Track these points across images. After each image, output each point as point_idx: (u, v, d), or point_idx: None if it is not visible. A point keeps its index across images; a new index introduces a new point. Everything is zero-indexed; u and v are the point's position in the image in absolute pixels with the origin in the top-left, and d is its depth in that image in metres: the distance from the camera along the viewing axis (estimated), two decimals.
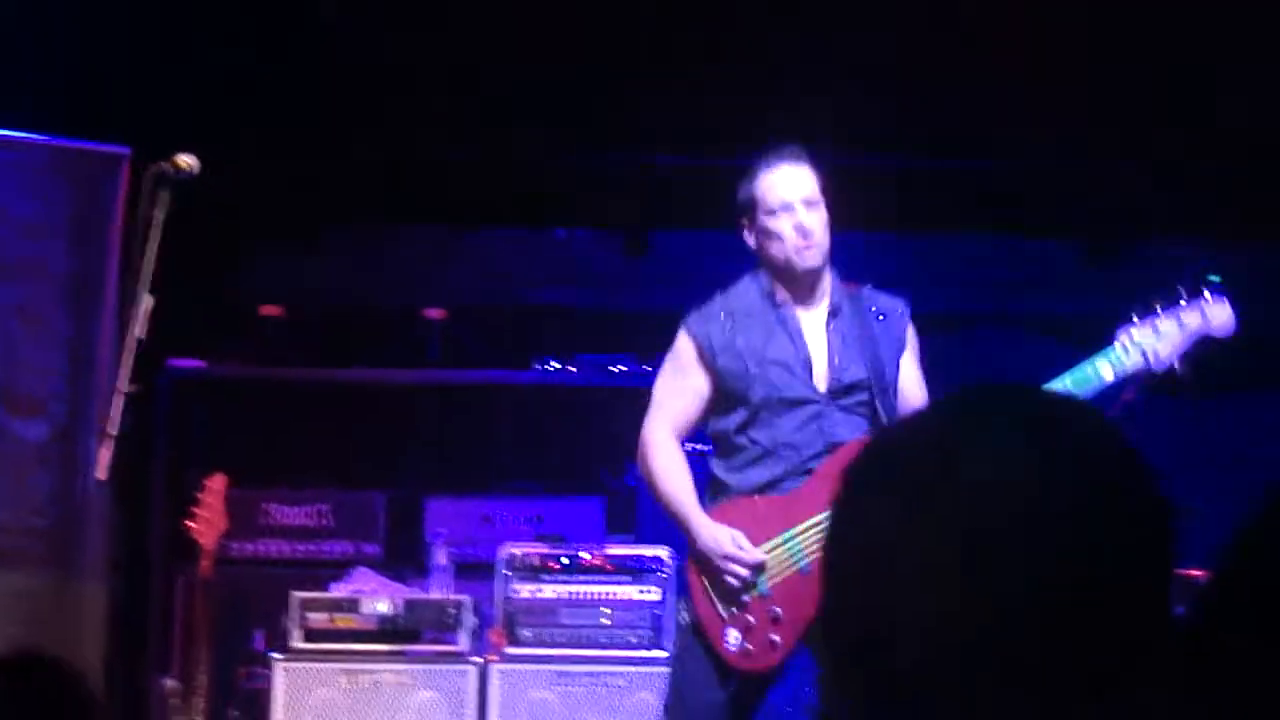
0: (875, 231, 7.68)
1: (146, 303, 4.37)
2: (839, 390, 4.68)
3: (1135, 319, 4.56)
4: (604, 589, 6.36)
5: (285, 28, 6.77)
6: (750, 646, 4.61)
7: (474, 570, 6.77)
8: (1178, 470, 5.79)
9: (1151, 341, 4.55)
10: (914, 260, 7.95)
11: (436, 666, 6.23)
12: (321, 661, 6.25)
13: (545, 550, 6.45)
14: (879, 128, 7.04)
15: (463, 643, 6.28)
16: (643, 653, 6.23)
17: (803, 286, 4.74)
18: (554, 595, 6.35)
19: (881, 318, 4.77)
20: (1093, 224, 7.61)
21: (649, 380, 7.54)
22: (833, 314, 4.74)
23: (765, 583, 4.60)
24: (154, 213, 4.41)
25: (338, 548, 7.10)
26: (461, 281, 8.16)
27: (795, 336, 4.70)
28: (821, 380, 4.69)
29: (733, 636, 4.61)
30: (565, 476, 7.37)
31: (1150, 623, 1.34)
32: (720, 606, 4.63)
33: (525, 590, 6.36)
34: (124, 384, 4.30)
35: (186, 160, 4.54)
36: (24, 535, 6.58)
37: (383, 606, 6.33)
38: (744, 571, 4.57)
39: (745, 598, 4.60)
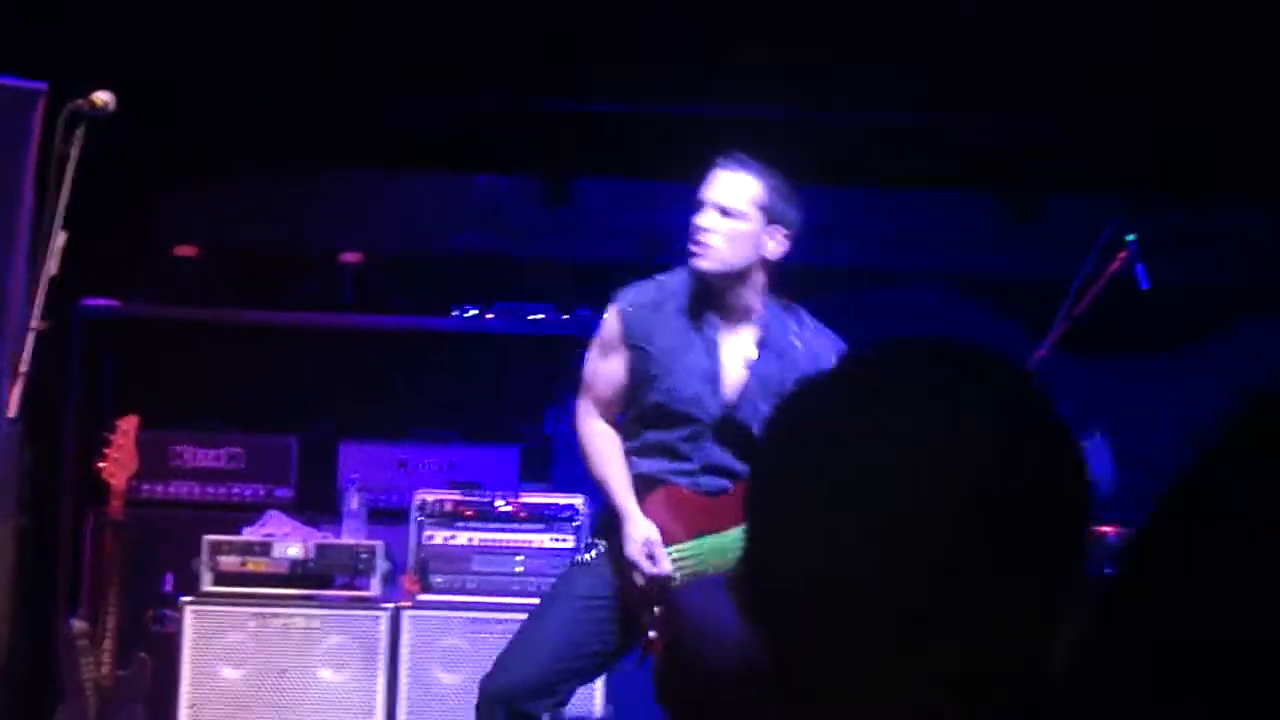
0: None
1: (60, 239, 4.32)
2: (732, 422, 4.70)
3: None
4: (518, 537, 6.37)
5: None
6: (654, 635, 4.71)
7: (387, 516, 6.76)
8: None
9: None
10: (834, 213, 7.99)
11: (348, 612, 6.22)
12: (232, 605, 6.22)
13: (459, 497, 6.44)
14: (801, 80, 7.03)
15: (375, 588, 6.27)
16: None
17: (719, 296, 4.73)
18: (467, 542, 6.35)
19: (808, 358, 4.71)
20: (1009, 179, 7.64)
21: (567, 329, 7.59)
22: (756, 345, 4.74)
23: (674, 583, 4.69)
24: (69, 149, 4.35)
25: (249, 491, 7.05)
26: (382, 226, 8.10)
27: (712, 354, 4.70)
28: (717, 408, 4.71)
29: (649, 621, 4.71)
30: (481, 424, 7.35)
31: (1068, 581, 1.35)
32: (637, 593, 4.71)
33: (439, 537, 6.35)
34: (36, 321, 4.26)
35: (102, 97, 4.49)
36: None
37: (294, 551, 6.31)
38: (641, 581, 4.64)
39: (653, 592, 4.68)
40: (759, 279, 4.74)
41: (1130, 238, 5.43)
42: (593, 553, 4.83)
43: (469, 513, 6.37)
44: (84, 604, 6.50)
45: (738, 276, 4.70)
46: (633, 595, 4.67)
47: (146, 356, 7.22)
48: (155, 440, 6.63)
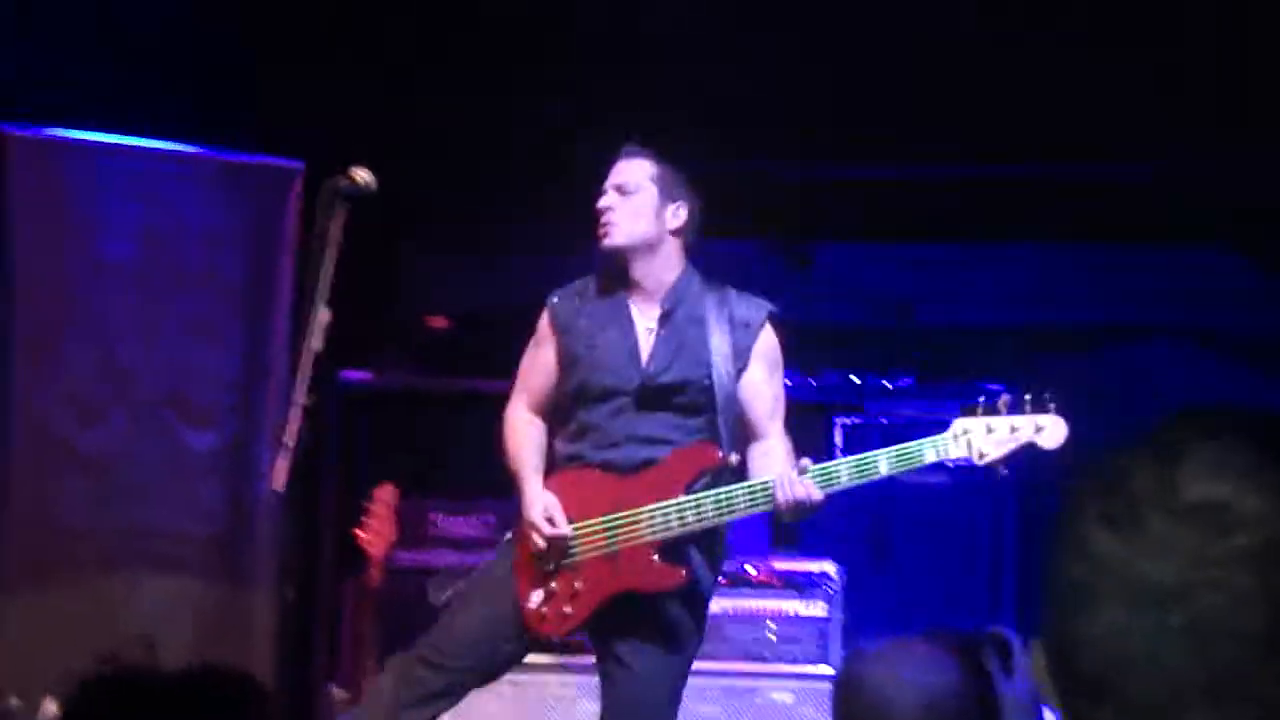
0: (1037, 243, 7.64)
1: (324, 315, 4.41)
2: (652, 389, 4.66)
3: (978, 409, 4.56)
4: (769, 604, 6.34)
5: (446, 38, 6.82)
6: (546, 611, 4.64)
7: None
8: None
9: (980, 439, 4.56)
10: (1080, 271, 7.88)
11: None
12: None
13: None
14: (1040, 138, 6.95)
15: None
16: (808, 668, 6.20)
17: (629, 272, 4.77)
18: (719, 609, 6.33)
19: (729, 323, 4.73)
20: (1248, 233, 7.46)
21: (814, 394, 7.56)
22: (666, 315, 4.74)
23: (575, 556, 4.60)
24: (330, 226, 4.44)
25: None
26: None
27: (626, 327, 4.73)
28: (637, 376, 4.68)
29: (535, 597, 4.65)
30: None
31: None
32: (533, 565, 4.66)
33: None
34: (301, 396, 4.34)
35: (363, 175, 4.57)
36: (195, 543, 6.69)
37: None
38: (540, 543, 4.61)
39: (552, 565, 4.62)
40: (667, 252, 4.80)
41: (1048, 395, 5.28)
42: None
43: (721, 580, 6.35)
44: (343, 671, 6.60)
45: (646, 249, 4.76)
46: (536, 553, 4.64)
47: (401, 426, 7.35)
48: (412, 508, 6.73)
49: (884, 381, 7.65)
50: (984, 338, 8.04)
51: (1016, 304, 8.17)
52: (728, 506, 4.51)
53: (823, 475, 4.50)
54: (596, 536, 4.64)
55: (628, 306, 4.78)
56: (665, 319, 4.75)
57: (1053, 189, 7.36)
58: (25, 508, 6.53)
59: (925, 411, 7.53)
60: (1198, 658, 1.31)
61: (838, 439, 7.45)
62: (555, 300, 4.93)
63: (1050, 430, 4.58)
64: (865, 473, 4.52)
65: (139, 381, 6.64)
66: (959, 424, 4.57)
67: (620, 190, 4.80)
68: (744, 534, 7.02)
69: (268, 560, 6.60)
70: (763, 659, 6.23)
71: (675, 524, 4.53)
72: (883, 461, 4.52)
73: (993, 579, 7.35)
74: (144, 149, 6.74)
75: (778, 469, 4.54)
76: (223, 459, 6.75)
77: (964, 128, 6.91)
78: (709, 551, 4.70)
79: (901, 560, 7.37)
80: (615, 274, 4.83)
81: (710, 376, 4.65)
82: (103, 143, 6.70)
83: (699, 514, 4.51)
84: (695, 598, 4.69)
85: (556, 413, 4.84)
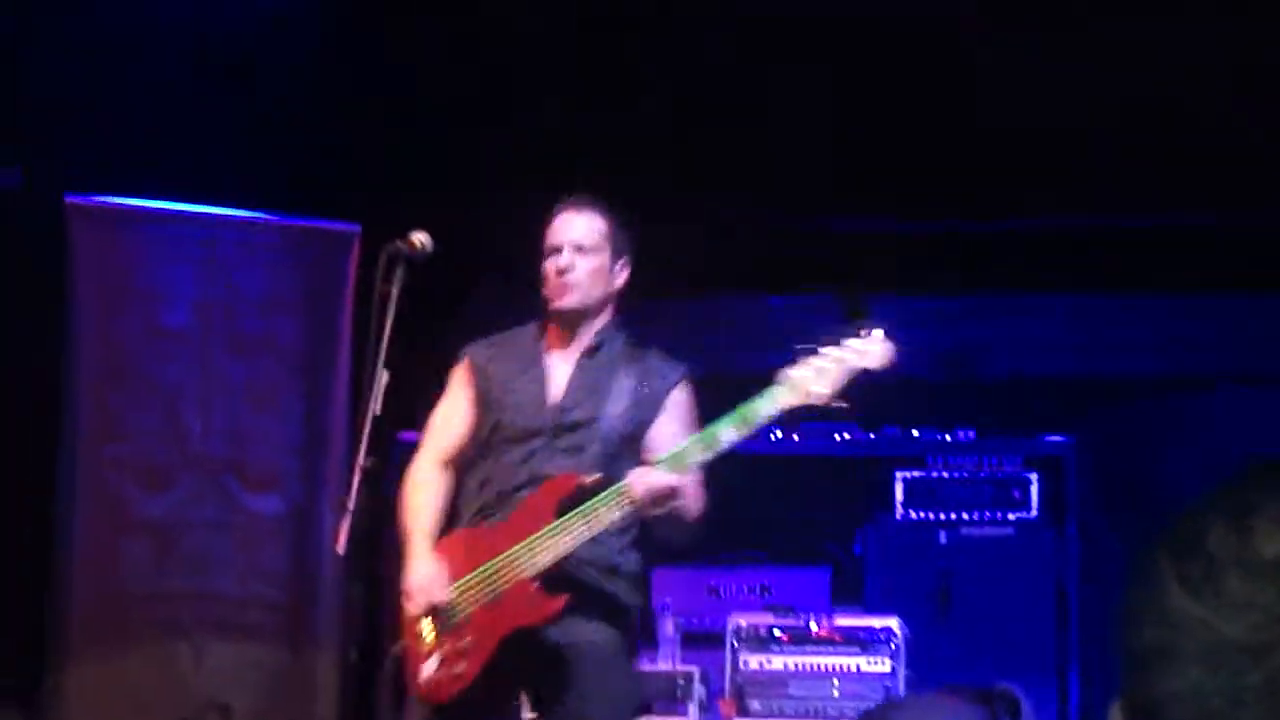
0: (1097, 293, 7.60)
1: (384, 378, 4.42)
2: (562, 427, 4.62)
3: (795, 358, 4.49)
4: (833, 660, 6.31)
5: (508, 99, 6.86)
6: (440, 678, 4.56)
7: (699, 640, 6.75)
8: None
9: (811, 380, 4.47)
10: (1141, 320, 7.84)
11: None
12: None
13: (774, 621, 6.42)
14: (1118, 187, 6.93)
15: (692, 714, 6.27)
16: None
17: (565, 330, 4.72)
18: (783, 666, 6.31)
19: (645, 377, 4.69)
20: None
21: (874, 448, 7.54)
22: (586, 354, 4.70)
23: (458, 615, 4.54)
24: (390, 290, 4.46)
25: None
26: (684, 350, 8.15)
27: (543, 376, 4.68)
28: (549, 416, 4.64)
29: (427, 668, 4.59)
30: (790, 545, 7.32)
31: None
32: (424, 638, 4.60)
33: (754, 661, 6.33)
34: (362, 459, 4.35)
35: (420, 239, 4.59)
36: (259, 608, 6.71)
37: None
38: (415, 610, 4.55)
39: (442, 632, 4.56)
40: (609, 310, 4.74)
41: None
42: None
43: (784, 637, 6.34)
44: None
45: (596, 309, 4.71)
46: (418, 634, 4.58)
47: None
48: None
49: (944, 435, 7.61)
50: (1044, 388, 8.00)
51: (1077, 354, 8.14)
52: (594, 517, 4.44)
53: (672, 459, 4.44)
54: (474, 590, 4.58)
55: (546, 357, 4.74)
56: (584, 359, 4.72)
57: (1111, 239, 7.33)
58: (89, 572, 6.57)
59: (986, 465, 7.50)
60: (1275, 715, 1.30)
61: (898, 493, 7.42)
62: (470, 350, 4.88)
63: (872, 351, 4.51)
64: (710, 444, 4.46)
65: (201, 447, 6.68)
66: (784, 374, 4.51)
67: (579, 250, 4.73)
68: (806, 590, 7.02)
69: (331, 623, 6.61)
70: (827, 716, 6.19)
71: (549, 552, 4.46)
72: (723, 429, 4.46)
73: (1059, 630, 7.29)
74: (203, 215, 6.81)
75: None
76: (285, 523, 6.77)
77: (1020, 179, 6.89)
78: (604, 564, 4.57)
79: (964, 613, 7.32)
80: (539, 331, 4.79)
81: (614, 419, 4.61)
82: (162, 209, 6.77)
83: (569, 532, 4.45)
84: (616, 611, 4.59)
85: (473, 460, 4.78)
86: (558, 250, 4.73)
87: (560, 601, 4.44)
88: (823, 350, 4.48)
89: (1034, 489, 7.51)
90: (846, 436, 7.32)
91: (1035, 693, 7.47)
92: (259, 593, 6.70)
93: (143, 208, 6.76)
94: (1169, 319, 7.89)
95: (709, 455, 4.44)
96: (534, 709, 4.64)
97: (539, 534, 4.45)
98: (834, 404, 4.55)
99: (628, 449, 4.61)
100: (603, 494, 4.43)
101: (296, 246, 6.90)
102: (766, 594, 7.08)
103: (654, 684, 6.33)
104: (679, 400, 4.74)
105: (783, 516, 7.45)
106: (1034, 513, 7.49)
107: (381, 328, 4.42)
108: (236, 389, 6.78)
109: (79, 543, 6.57)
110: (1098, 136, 6.67)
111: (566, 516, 4.43)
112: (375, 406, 4.36)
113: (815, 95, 6.69)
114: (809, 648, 6.32)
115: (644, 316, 5.01)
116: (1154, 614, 1.37)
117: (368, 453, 4.39)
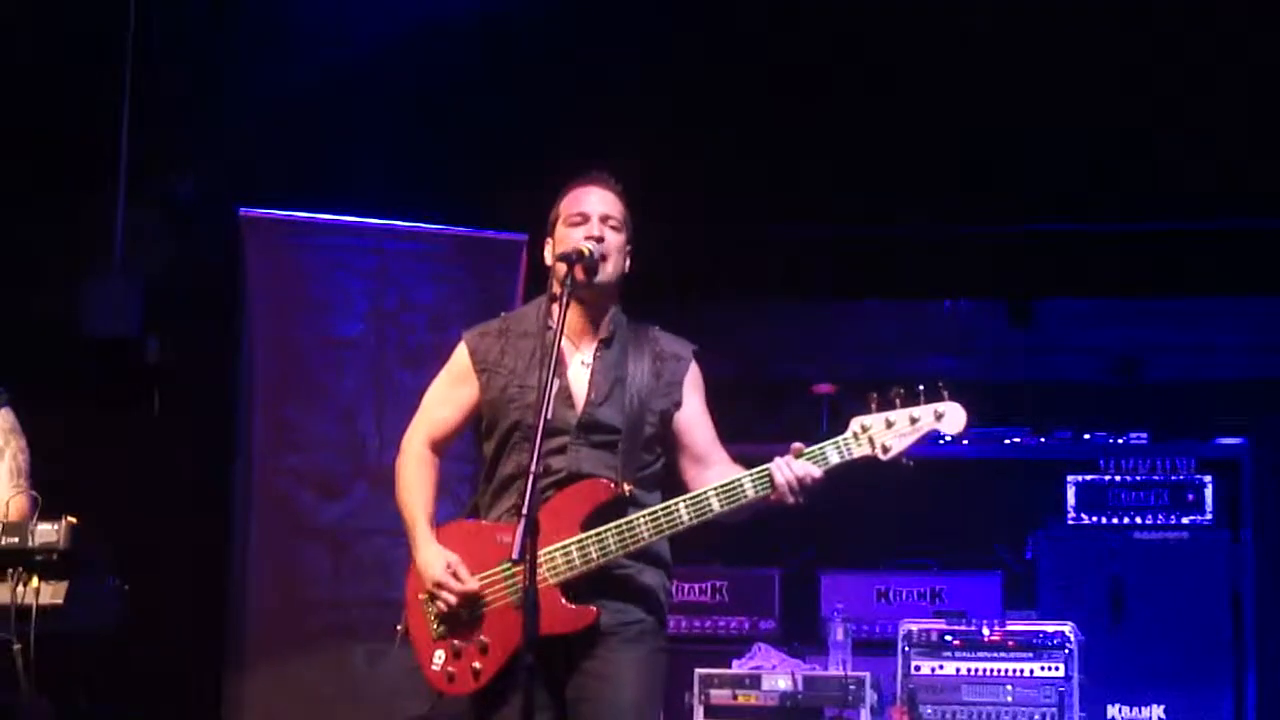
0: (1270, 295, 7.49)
1: (556, 385, 4.45)
2: (591, 426, 4.52)
3: (872, 407, 4.36)
4: (1006, 665, 6.26)
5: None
6: (453, 671, 4.45)
7: (869, 646, 6.73)
8: None
9: (881, 434, 4.34)
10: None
11: None
12: None
13: (946, 627, 6.38)
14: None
15: (864, 718, 6.25)
16: None
17: (582, 316, 4.60)
18: (955, 672, 6.27)
19: (660, 360, 4.58)
20: None
21: (1045, 452, 7.47)
22: (603, 345, 4.59)
23: (478, 610, 4.44)
24: (565, 295, 4.49)
25: (735, 623, 7.16)
26: (844, 354, 8.15)
27: (559, 367, 4.53)
28: (575, 414, 4.54)
29: (438, 658, 4.47)
30: (960, 551, 7.28)
31: None
32: (431, 627, 4.50)
33: (926, 667, 6.30)
34: (534, 465, 4.38)
35: (590, 246, 4.62)
36: None
37: (784, 683, 6.34)
38: (452, 599, 4.43)
39: (455, 624, 4.46)
40: (618, 298, 4.60)
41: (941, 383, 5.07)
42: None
43: (956, 643, 6.30)
44: None
45: (612, 290, 4.54)
46: (437, 613, 4.46)
47: None
48: None
49: (1116, 438, 7.53)
50: (1219, 391, 7.89)
51: (1249, 356, 8.02)
52: (632, 536, 4.37)
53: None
54: (498, 586, 4.53)
55: (559, 346, 4.63)
56: (601, 354, 4.65)
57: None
58: (266, 580, 6.68)
59: (1160, 468, 7.41)
60: None
61: (1070, 497, 7.35)
62: (475, 341, 4.65)
63: (950, 416, 4.41)
64: (833, 458, 4.41)
65: (374, 455, 6.77)
66: (857, 422, 4.40)
67: (606, 220, 4.56)
68: (977, 596, 6.98)
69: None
70: None
71: (579, 562, 4.39)
72: (830, 450, 4.40)
73: (1235, 636, 7.19)
74: (374, 226, 6.90)
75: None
76: None
77: (1196, 181, 6.81)
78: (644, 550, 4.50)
79: (1138, 619, 7.24)
80: (547, 315, 4.71)
81: (640, 414, 4.55)
82: (333, 221, 6.86)
83: (603, 547, 4.38)
84: (651, 599, 4.52)
85: (484, 466, 4.70)
86: (583, 219, 4.64)
87: (591, 615, 4.37)
88: (896, 404, 4.44)
89: (1208, 492, 7.40)
90: (1017, 440, 7.26)
91: (1210, 701, 7.38)
92: None
93: (313, 219, 6.86)
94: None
95: (839, 464, 4.40)
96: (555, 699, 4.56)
97: (568, 542, 4.39)
98: (902, 462, 4.50)
99: (656, 437, 4.58)
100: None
101: (467, 256, 6.97)
102: (938, 600, 7.05)
103: (824, 689, 6.32)
104: (696, 378, 4.70)
105: (953, 522, 7.41)
106: (1209, 516, 7.38)
107: (556, 334, 4.45)
108: (409, 399, 6.84)
109: (256, 551, 6.68)
110: (1261, 134, 6.59)
111: (603, 530, 4.38)
112: (547, 412, 4.38)
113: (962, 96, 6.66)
114: (981, 653, 6.28)
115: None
116: None
117: (538, 459, 4.41)
